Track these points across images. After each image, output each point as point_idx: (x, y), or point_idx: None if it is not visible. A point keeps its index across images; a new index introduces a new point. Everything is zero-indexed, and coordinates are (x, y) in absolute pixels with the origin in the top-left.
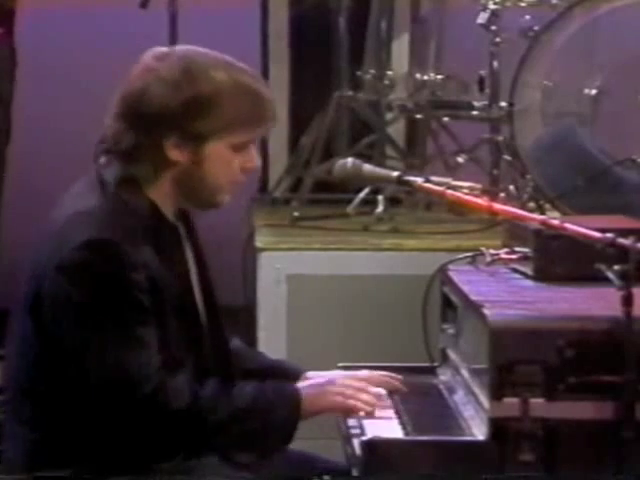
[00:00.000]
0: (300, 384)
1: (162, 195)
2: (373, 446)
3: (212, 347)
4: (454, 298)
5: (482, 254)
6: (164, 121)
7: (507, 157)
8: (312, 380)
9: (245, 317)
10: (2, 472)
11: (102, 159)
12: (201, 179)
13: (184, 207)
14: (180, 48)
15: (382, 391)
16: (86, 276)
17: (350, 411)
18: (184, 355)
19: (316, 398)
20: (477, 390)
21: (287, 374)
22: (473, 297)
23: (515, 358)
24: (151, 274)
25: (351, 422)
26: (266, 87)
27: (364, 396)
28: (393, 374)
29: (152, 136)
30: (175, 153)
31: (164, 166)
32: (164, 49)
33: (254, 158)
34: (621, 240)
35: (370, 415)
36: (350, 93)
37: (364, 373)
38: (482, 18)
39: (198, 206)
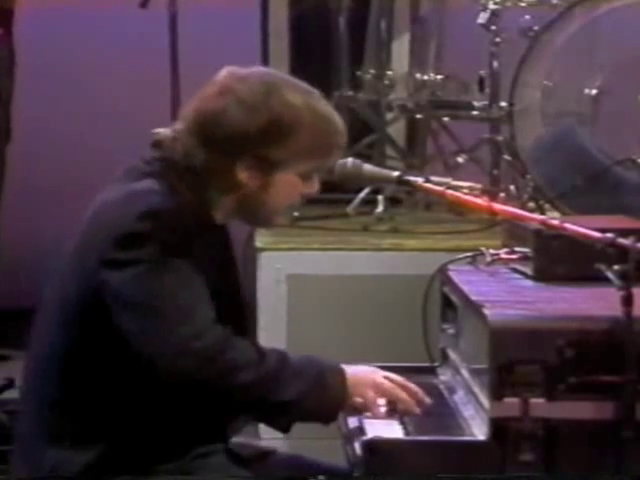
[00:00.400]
0: (344, 366)
1: (220, 208)
2: (373, 446)
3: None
4: (454, 298)
5: (482, 254)
6: (239, 144)
7: (507, 157)
8: (356, 367)
9: None
10: None
11: (159, 166)
12: (264, 203)
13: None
14: (259, 70)
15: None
16: (150, 243)
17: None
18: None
19: (358, 383)
20: (477, 390)
21: None
22: (473, 297)
23: (515, 358)
24: (195, 250)
25: (351, 422)
26: (338, 116)
27: (403, 394)
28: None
29: (225, 158)
30: (245, 177)
31: (231, 187)
32: (243, 70)
33: (316, 185)
34: (621, 240)
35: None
36: (350, 93)
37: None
38: (482, 18)
39: (251, 224)
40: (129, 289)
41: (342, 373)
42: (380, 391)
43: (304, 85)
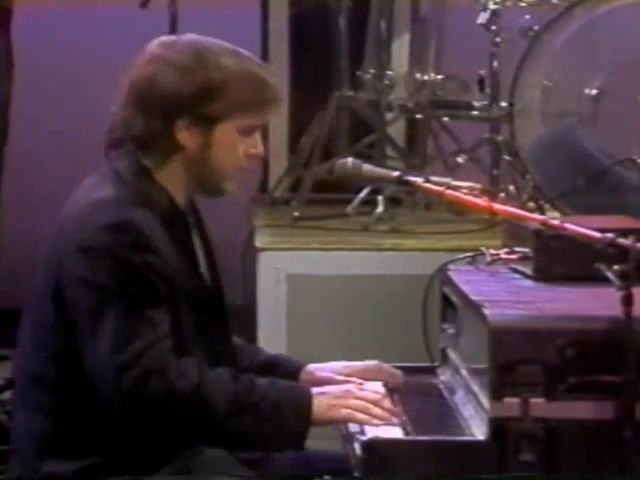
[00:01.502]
0: (314, 390)
1: (173, 181)
2: (373, 446)
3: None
4: (454, 298)
5: (482, 254)
6: (175, 106)
7: (507, 157)
8: (326, 389)
9: (245, 317)
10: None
11: (113, 152)
12: (208, 163)
13: (193, 194)
14: (186, 36)
15: (381, 389)
16: (107, 258)
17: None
18: (194, 342)
19: (326, 409)
20: (477, 390)
21: (288, 368)
22: (473, 297)
23: (515, 358)
24: (166, 259)
25: None
26: (270, 73)
27: (376, 410)
28: (391, 367)
29: (163, 121)
30: (185, 136)
31: (174, 150)
32: (170, 38)
33: (258, 144)
34: (621, 240)
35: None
36: (350, 93)
37: (360, 364)
38: (482, 18)
39: (205, 193)
40: (80, 308)
41: (305, 397)
42: (352, 408)
43: (232, 46)
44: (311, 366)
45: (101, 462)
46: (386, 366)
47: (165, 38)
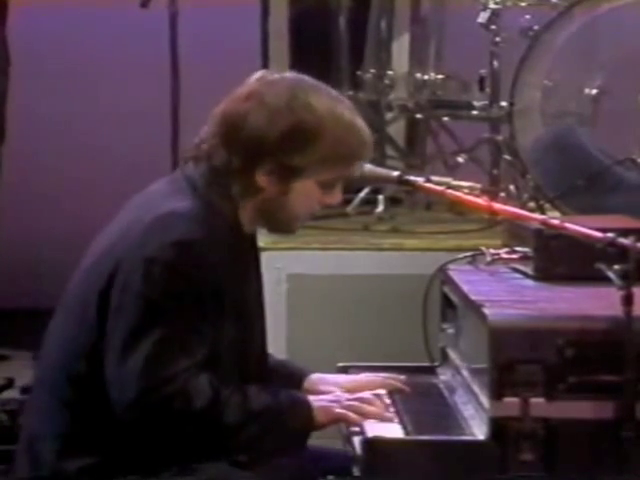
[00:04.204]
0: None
1: (242, 213)
2: (373, 446)
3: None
4: (454, 298)
5: (482, 254)
6: (260, 148)
7: (507, 157)
8: (318, 397)
9: None
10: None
11: (190, 163)
12: (283, 209)
13: (258, 227)
14: (289, 75)
15: (382, 391)
16: (165, 274)
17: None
18: (233, 358)
19: (324, 411)
20: (477, 390)
21: (292, 375)
22: (473, 297)
23: (515, 358)
24: (221, 273)
25: None
26: (365, 126)
27: (369, 408)
28: (395, 375)
29: (245, 160)
30: (264, 181)
31: (251, 191)
32: (273, 75)
33: (338, 196)
34: (621, 240)
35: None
36: (350, 93)
37: (365, 377)
38: (482, 18)
39: (272, 231)
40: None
41: (305, 403)
42: (347, 409)
43: (332, 92)
44: (315, 376)
45: (108, 460)
46: (390, 380)
47: (268, 73)
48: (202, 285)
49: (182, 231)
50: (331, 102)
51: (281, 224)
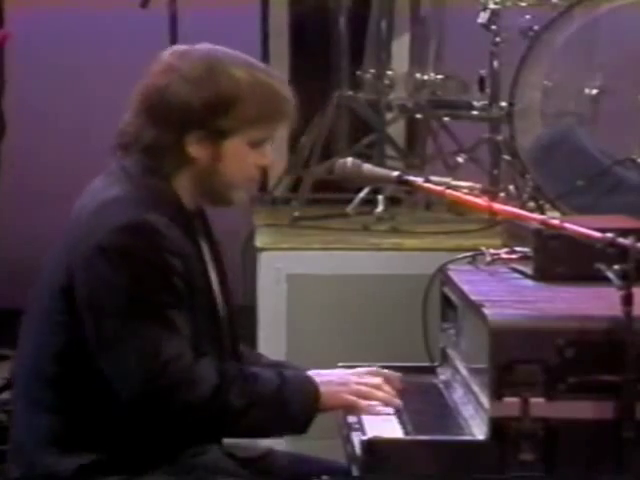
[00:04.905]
0: (317, 378)
1: (181, 189)
2: (373, 445)
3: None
4: (454, 298)
5: (482, 254)
6: (186, 118)
7: (507, 157)
8: (326, 376)
9: (245, 317)
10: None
11: (121, 153)
12: (218, 176)
13: (200, 204)
14: (200, 47)
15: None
16: (126, 260)
17: (363, 410)
18: (206, 344)
19: (332, 396)
20: (477, 390)
21: None
22: (473, 297)
23: (515, 358)
24: (184, 259)
25: (351, 421)
26: (285, 85)
27: (379, 394)
28: (390, 371)
29: (173, 133)
30: (195, 149)
31: (183, 162)
32: (184, 47)
33: (269, 155)
34: (621, 240)
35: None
36: (350, 93)
37: (362, 370)
38: (482, 18)
39: (213, 203)
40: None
41: (311, 387)
42: (355, 394)
43: (246, 57)
44: (312, 372)
45: (101, 459)
46: (385, 371)
47: (179, 47)
48: (167, 269)
49: (126, 216)
50: (247, 66)
51: (219, 194)
